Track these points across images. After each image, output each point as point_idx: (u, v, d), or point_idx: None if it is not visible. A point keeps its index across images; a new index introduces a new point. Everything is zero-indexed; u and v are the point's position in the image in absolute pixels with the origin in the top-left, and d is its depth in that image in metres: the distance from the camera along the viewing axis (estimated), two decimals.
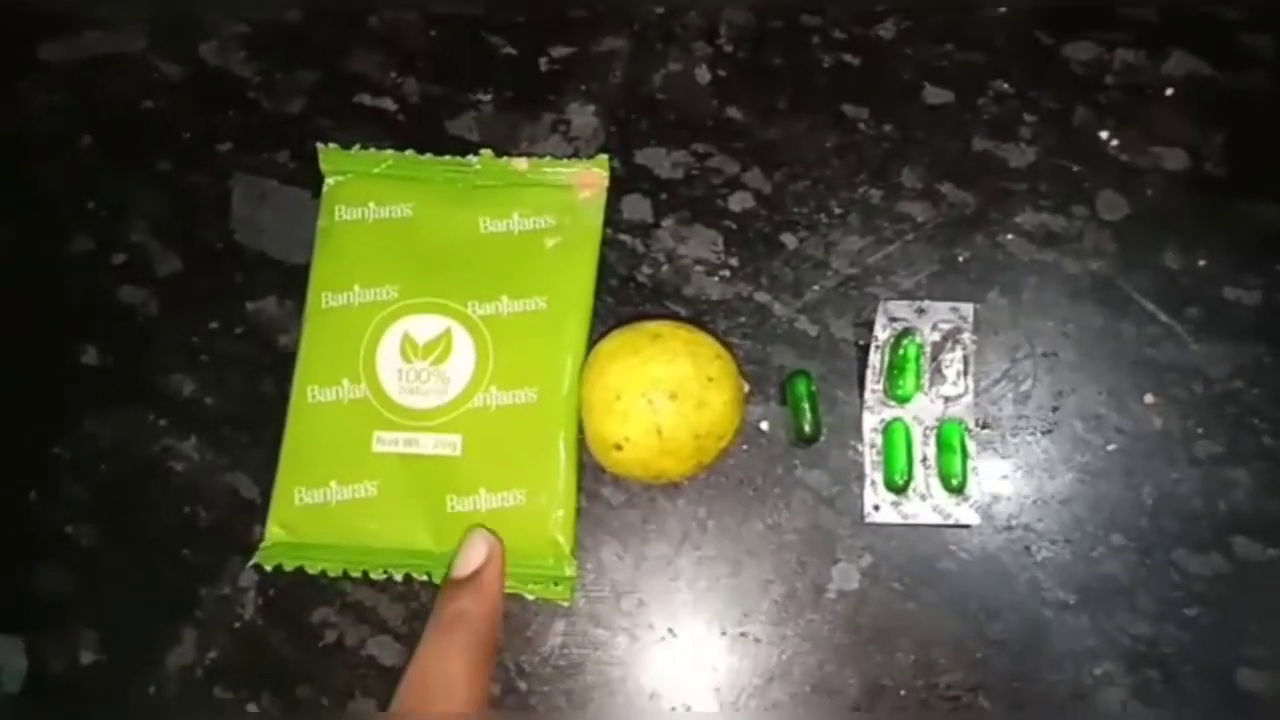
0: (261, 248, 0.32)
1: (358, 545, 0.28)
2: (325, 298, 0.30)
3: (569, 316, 0.30)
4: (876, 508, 0.30)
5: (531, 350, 0.29)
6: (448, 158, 0.32)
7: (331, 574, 0.29)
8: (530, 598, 0.29)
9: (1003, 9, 0.34)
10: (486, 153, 0.32)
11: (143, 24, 0.35)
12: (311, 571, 0.28)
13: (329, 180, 0.31)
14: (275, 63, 0.34)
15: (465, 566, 0.27)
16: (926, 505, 0.30)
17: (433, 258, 0.30)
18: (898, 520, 0.30)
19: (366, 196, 0.31)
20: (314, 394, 0.29)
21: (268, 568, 0.28)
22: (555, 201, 0.31)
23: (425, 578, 0.29)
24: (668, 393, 0.26)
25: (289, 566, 0.28)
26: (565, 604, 0.29)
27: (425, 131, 0.33)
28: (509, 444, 0.29)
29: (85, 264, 0.33)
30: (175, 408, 0.31)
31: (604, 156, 0.32)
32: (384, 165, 0.31)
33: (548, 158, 0.32)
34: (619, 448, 0.26)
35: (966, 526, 0.30)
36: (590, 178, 0.31)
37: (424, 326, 0.30)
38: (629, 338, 0.28)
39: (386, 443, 0.29)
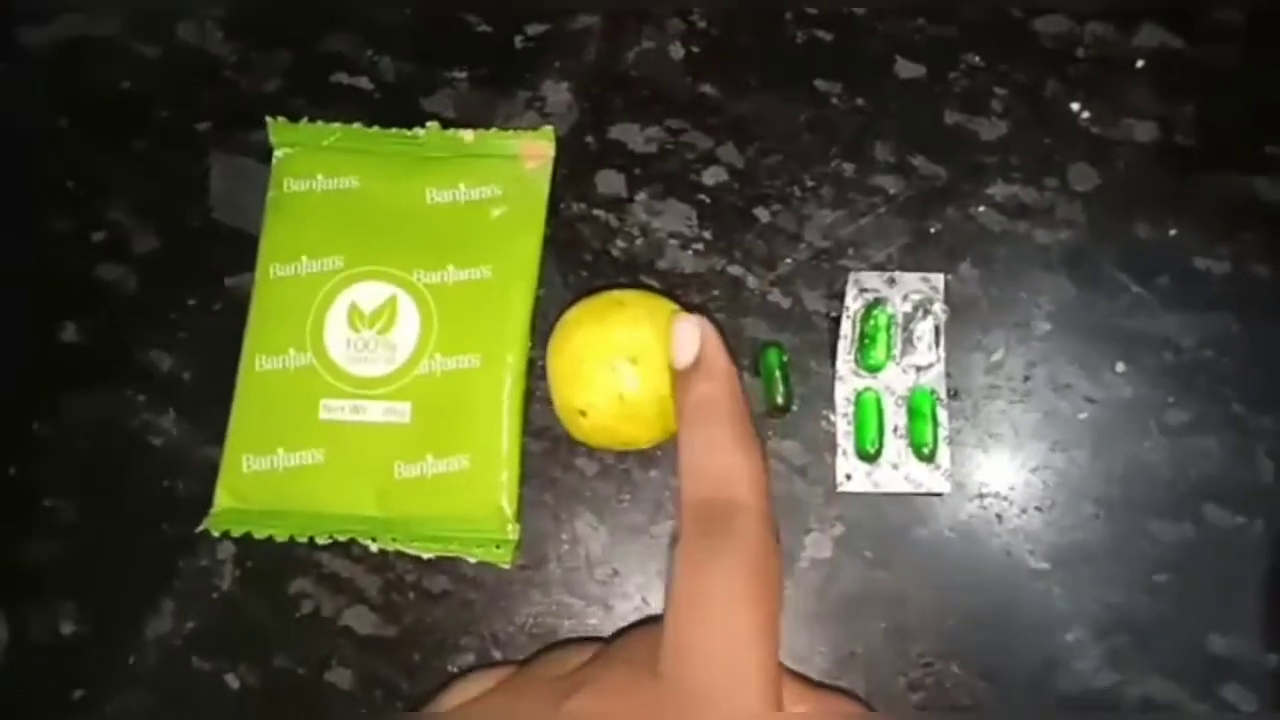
0: (238, 225, 0.33)
1: (305, 511, 0.29)
2: (273, 268, 0.30)
3: (513, 285, 0.30)
4: (849, 476, 0.30)
5: (475, 318, 0.30)
6: (394, 130, 0.32)
7: (279, 539, 0.29)
8: (472, 560, 0.29)
9: None
10: (433, 124, 0.32)
11: (120, 4, 0.35)
12: (259, 537, 0.29)
13: (278, 153, 0.32)
14: (252, 42, 0.35)
15: (684, 353, 0.24)
16: (898, 474, 0.30)
17: (379, 227, 0.31)
18: (869, 489, 0.30)
19: (315, 168, 0.31)
20: (261, 362, 0.30)
21: (215, 534, 0.29)
22: (501, 172, 0.31)
23: (370, 542, 0.29)
24: (629, 357, 0.26)
25: (236, 533, 0.29)
26: (506, 566, 0.29)
27: (401, 109, 0.33)
28: (454, 410, 0.29)
29: (64, 242, 0.33)
30: (154, 383, 0.32)
31: (549, 128, 0.32)
32: (332, 138, 0.32)
33: (494, 129, 0.32)
34: (583, 414, 0.27)
35: (938, 495, 0.30)
36: (536, 149, 0.32)
37: (370, 294, 0.30)
38: (593, 305, 0.28)
39: (333, 410, 0.29)
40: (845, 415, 0.30)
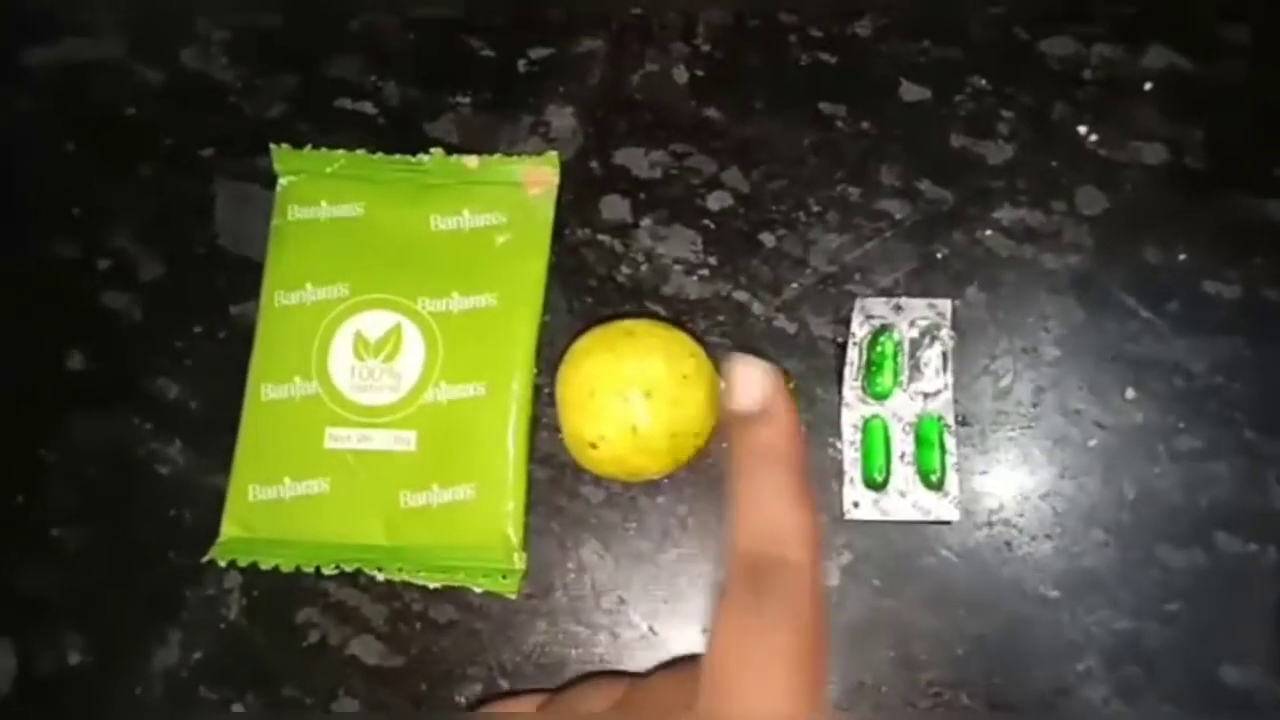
0: (243, 251, 0.33)
1: (311, 540, 0.29)
2: (278, 296, 0.30)
3: (518, 312, 0.30)
4: (856, 504, 0.30)
5: (480, 345, 0.30)
6: (398, 157, 0.32)
7: (285, 570, 0.29)
8: (478, 590, 0.29)
9: (995, 9, 0.34)
10: (437, 151, 0.32)
11: (125, 29, 0.35)
12: (264, 567, 0.29)
13: (282, 180, 0.32)
14: (256, 67, 0.35)
15: (747, 398, 0.22)
16: (906, 502, 0.30)
17: (384, 255, 0.31)
18: (877, 517, 0.30)
19: (319, 195, 0.31)
20: (267, 391, 0.30)
21: (222, 563, 0.29)
22: (505, 199, 0.31)
23: (376, 571, 0.29)
24: (643, 390, 0.26)
25: (243, 562, 0.29)
26: (512, 597, 0.29)
27: (404, 134, 0.33)
28: (459, 439, 0.29)
29: (70, 270, 0.33)
30: (160, 411, 0.32)
31: (553, 154, 0.32)
32: (336, 165, 0.32)
33: (498, 155, 0.32)
34: (594, 446, 0.27)
35: (947, 523, 0.30)
36: (540, 175, 0.32)
37: (375, 323, 0.30)
38: (603, 335, 0.28)
39: (339, 439, 0.29)
40: (852, 443, 0.30)
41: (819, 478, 0.30)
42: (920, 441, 0.30)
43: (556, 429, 0.29)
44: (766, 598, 0.19)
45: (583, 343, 0.28)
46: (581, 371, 0.27)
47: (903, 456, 0.30)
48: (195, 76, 0.35)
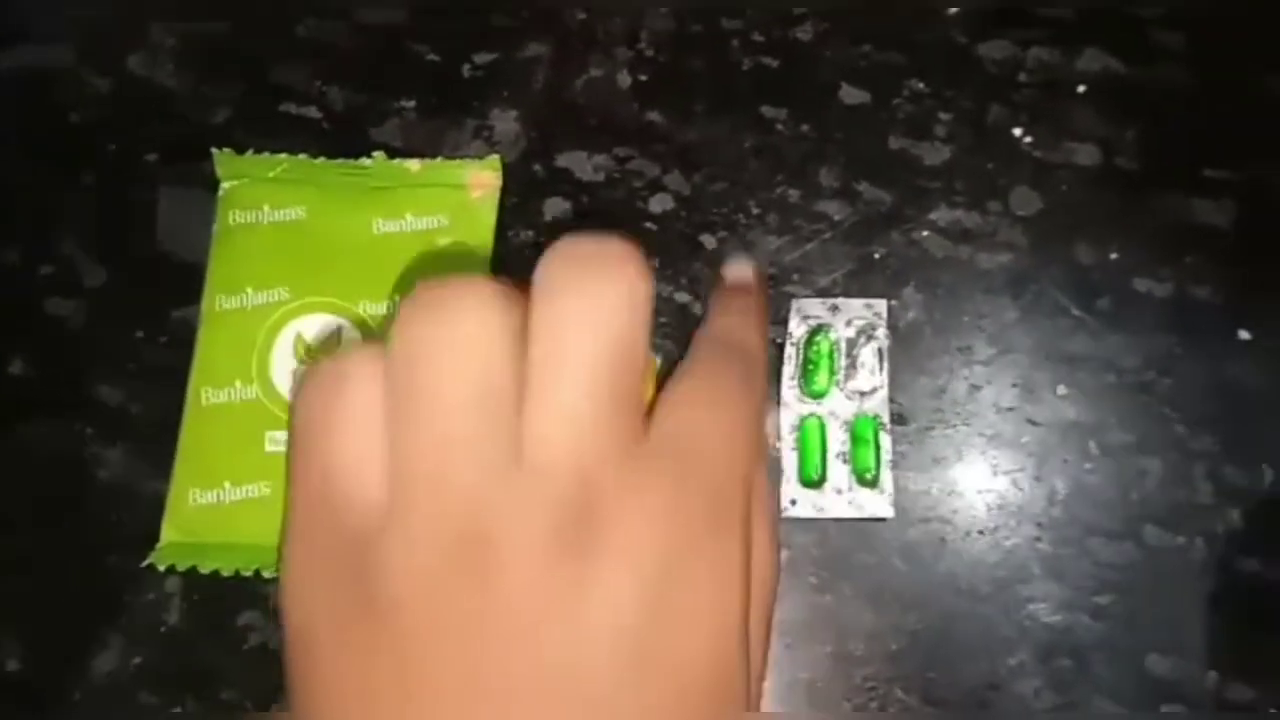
0: (186, 256, 0.33)
1: (253, 544, 0.29)
2: (219, 300, 0.31)
3: None
4: (794, 502, 0.30)
5: None
6: (341, 160, 0.32)
7: (225, 573, 0.29)
8: None
9: (953, 8, 0.34)
10: (380, 154, 0.32)
11: (74, 36, 0.35)
12: (204, 571, 0.29)
13: (224, 185, 0.32)
14: (202, 74, 0.35)
15: (741, 269, 0.22)
16: (842, 499, 0.30)
17: (326, 259, 0.31)
18: (814, 514, 0.30)
19: (261, 200, 0.31)
20: (207, 396, 0.30)
21: (161, 568, 0.29)
22: (448, 202, 0.32)
23: None
24: None
25: (182, 567, 0.29)
26: None
27: (350, 139, 0.34)
28: None
29: (12, 276, 0.33)
30: (102, 416, 0.32)
31: (496, 158, 0.32)
32: (279, 169, 0.32)
33: (440, 159, 0.32)
34: None
35: (882, 519, 0.30)
36: (482, 178, 0.32)
37: (316, 326, 0.30)
38: None
39: (279, 443, 0.29)
40: (788, 441, 0.30)
41: None
42: (856, 440, 0.30)
43: None
44: (737, 360, 0.19)
45: None
46: None
47: (839, 455, 0.30)
48: (141, 83, 0.35)
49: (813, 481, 0.30)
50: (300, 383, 0.16)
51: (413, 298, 0.15)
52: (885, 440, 0.30)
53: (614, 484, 0.15)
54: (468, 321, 0.15)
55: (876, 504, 0.30)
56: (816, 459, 0.30)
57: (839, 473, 0.30)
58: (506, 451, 0.15)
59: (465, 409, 0.15)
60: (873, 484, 0.30)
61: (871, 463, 0.30)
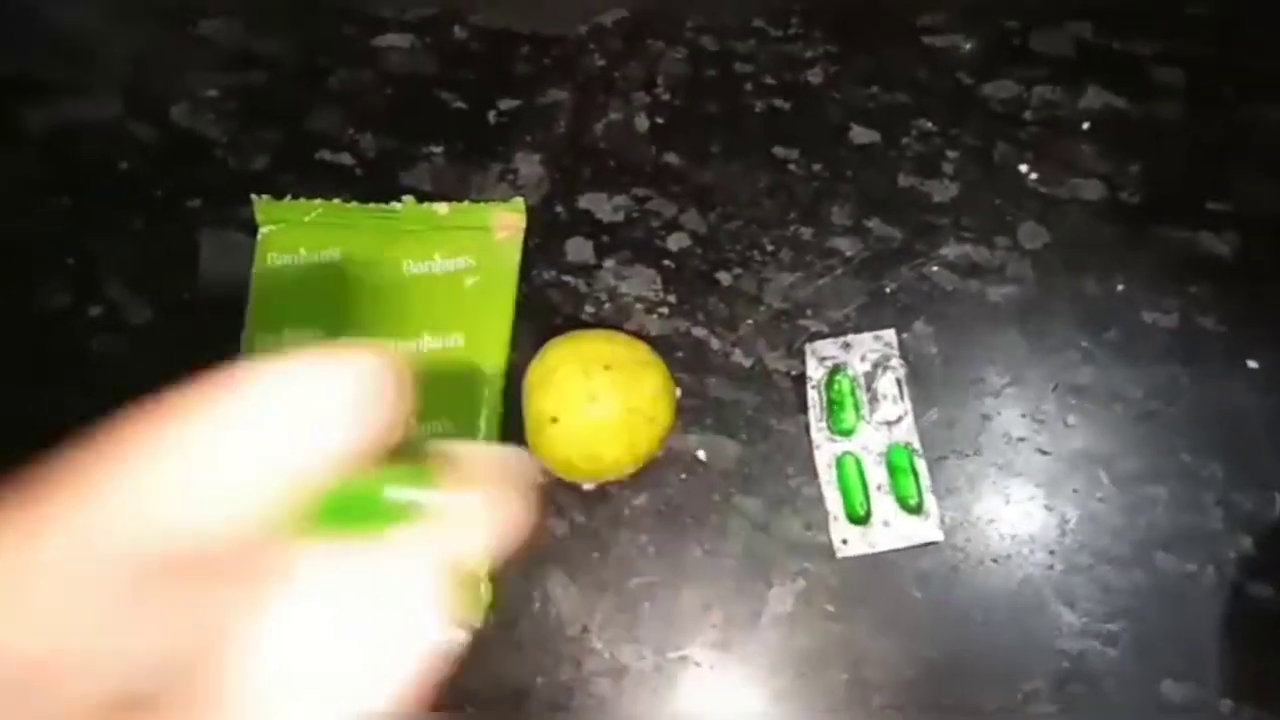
0: (227, 297, 0.34)
1: None
2: (259, 339, 0.32)
3: (485, 350, 0.32)
4: (845, 541, 0.31)
5: (448, 384, 0.32)
6: (373, 205, 0.34)
7: None
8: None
9: (967, 45, 0.35)
10: (409, 199, 0.34)
11: (120, 89, 0.37)
12: None
13: (263, 229, 0.34)
14: (241, 123, 0.37)
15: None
16: (891, 532, 0.31)
17: (358, 300, 0.32)
18: (867, 550, 0.31)
19: (297, 243, 0.33)
20: None
21: None
22: (474, 243, 0.33)
23: None
24: (602, 365, 0.28)
25: None
26: (477, 625, 0.30)
27: (381, 183, 0.35)
28: None
29: (63, 316, 0.35)
30: None
31: (520, 199, 0.34)
32: (314, 214, 0.34)
33: (466, 202, 0.34)
34: (555, 420, 0.28)
35: (935, 543, 0.31)
36: (507, 220, 0.33)
37: None
38: (568, 334, 0.31)
39: None
40: (829, 482, 0.31)
41: (773, 506, 0.32)
42: (893, 470, 0.31)
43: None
44: None
45: (551, 341, 0.31)
46: (546, 358, 0.30)
47: (879, 487, 0.31)
48: (184, 133, 0.37)
49: (859, 518, 0.31)
50: None
51: None
52: (921, 465, 0.31)
53: None
54: None
55: (924, 530, 0.31)
56: (859, 495, 0.31)
57: (883, 505, 0.31)
58: None
59: None
60: (917, 510, 0.31)
61: (912, 489, 0.31)
